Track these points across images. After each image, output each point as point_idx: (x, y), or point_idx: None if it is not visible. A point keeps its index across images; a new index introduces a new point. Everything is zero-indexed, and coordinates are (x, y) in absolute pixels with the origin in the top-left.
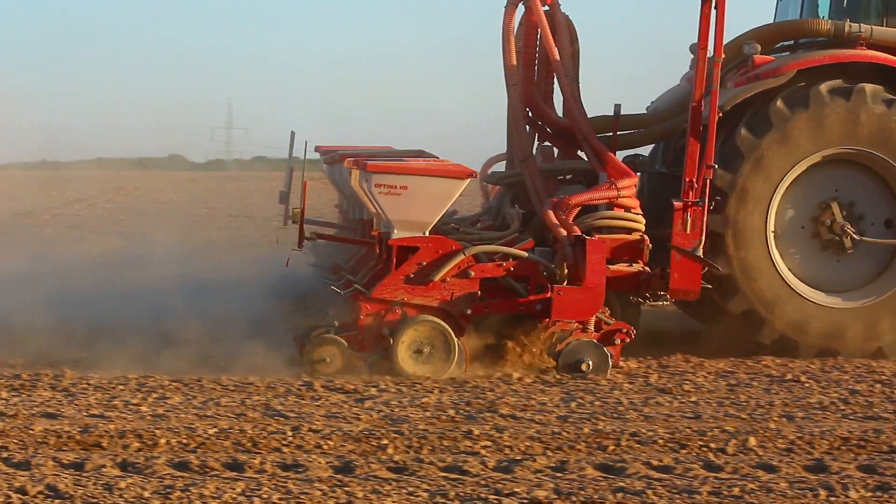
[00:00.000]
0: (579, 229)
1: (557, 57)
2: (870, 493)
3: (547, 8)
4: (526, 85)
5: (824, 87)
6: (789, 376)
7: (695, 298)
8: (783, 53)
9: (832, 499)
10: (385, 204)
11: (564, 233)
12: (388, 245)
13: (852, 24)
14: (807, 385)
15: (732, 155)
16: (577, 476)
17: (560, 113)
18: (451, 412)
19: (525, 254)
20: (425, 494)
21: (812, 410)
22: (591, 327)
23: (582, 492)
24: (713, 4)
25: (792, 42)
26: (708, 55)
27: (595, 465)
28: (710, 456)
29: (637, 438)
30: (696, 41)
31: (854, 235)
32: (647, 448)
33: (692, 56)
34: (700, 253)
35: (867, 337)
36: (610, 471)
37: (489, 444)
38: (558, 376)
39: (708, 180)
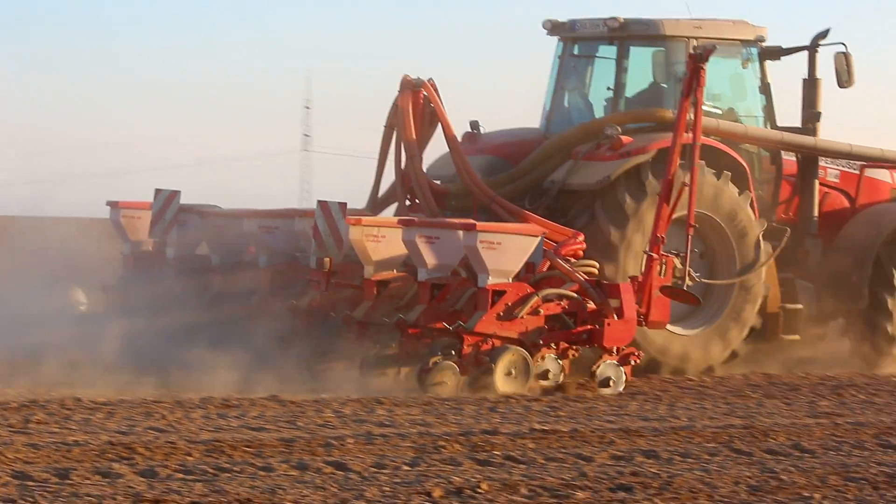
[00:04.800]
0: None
1: (454, 133)
2: None
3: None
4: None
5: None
6: None
7: (663, 328)
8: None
9: None
10: (486, 256)
11: (584, 278)
12: (482, 289)
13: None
14: None
15: (620, 217)
16: None
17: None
18: None
19: (576, 295)
20: None
21: None
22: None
23: None
24: (691, 101)
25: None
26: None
27: None
28: None
29: None
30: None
31: (695, 277)
32: None
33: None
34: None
35: (704, 357)
36: None
37: None
38: None
39: (690, 236)
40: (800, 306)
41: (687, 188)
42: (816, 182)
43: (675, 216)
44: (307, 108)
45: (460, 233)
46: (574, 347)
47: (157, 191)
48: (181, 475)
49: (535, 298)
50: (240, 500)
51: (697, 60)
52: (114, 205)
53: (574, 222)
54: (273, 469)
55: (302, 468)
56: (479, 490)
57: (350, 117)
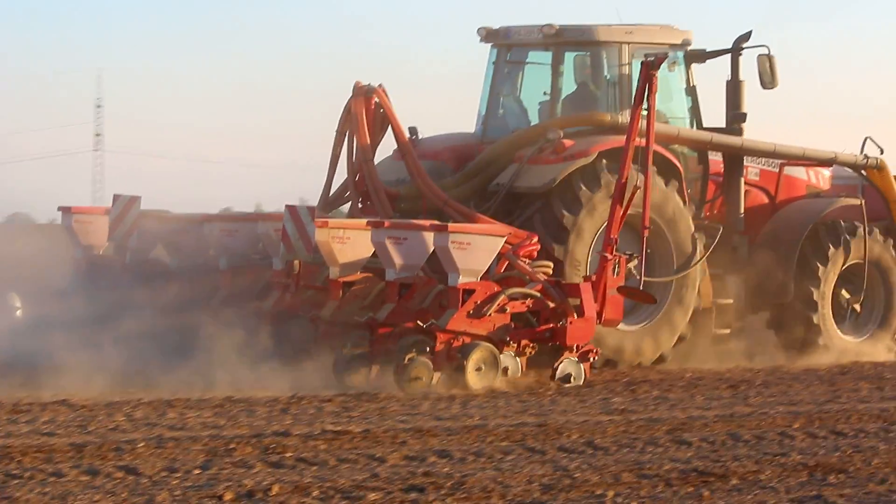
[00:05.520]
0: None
1: (406, 138)
2: None
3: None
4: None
5: (607, 168)
6: None
7: (616, 326)
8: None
9: None
10: (457, 256)
11: (544, 277)
12: (453, 288)
13: (622, 117)
14: None
15: (559, 231)
16: None
17: None
18: None
19: (539, 294)
20: None
21: None
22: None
23: None
24: (644, 107)
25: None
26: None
27: None
28: None
29: None
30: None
31: (641, 277)
32: None
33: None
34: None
35: (655, 349)
36: None
37: None
38: None
39: (645, 238)
40: (731, 301)
41: (639, 190)
42: (742, 181)
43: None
44: (98, 106)
45: (431, 234)
46: (532, 345)
47: (116, 196)
48: None
49: (502, 297)
50: None
51: (650, 68)
52: (66, 210)
53: (522, 225)
54: (63, 474)
55: (92, 473)
56: (271, 493)
57: (142, 116)
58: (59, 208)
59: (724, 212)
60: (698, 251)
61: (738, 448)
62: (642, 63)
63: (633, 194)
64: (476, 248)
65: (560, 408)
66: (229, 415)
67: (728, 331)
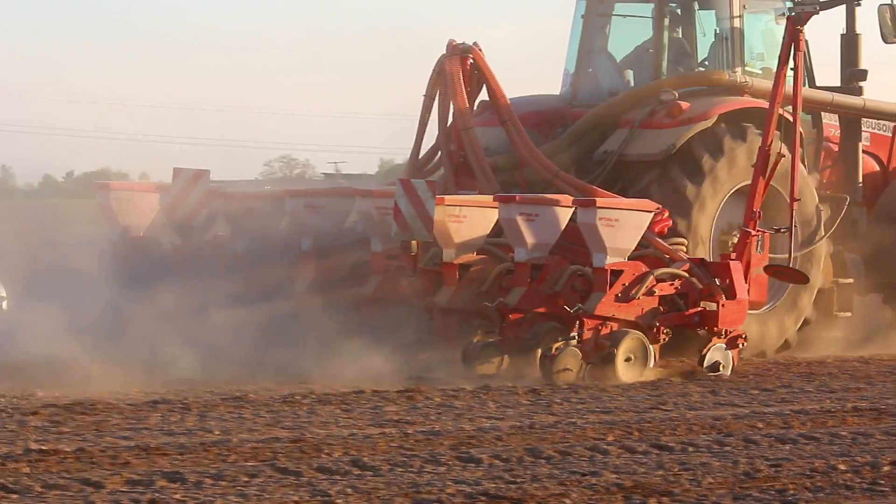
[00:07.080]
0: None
1: (508, 102)
2: None
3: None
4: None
5: (729, 132)
6: None
7: (760, 309)
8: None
9: None
10: (605, 234)
11: (684, 256)
12: (600, 269)
13: (740, 76)
14: None
15: (680, 203)
16: None
17: None
18: None
19: (686, 274)
20: None
21: None
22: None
23: None
24: (789, 66)
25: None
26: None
27: None
28: None
29: None
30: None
31: (790, 254)
32: None
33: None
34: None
35: (779, 334)
36: None
37: None
38: None
39: (794, 211)
40: (851, 281)
41: (785, 159)
42: (860, 146)
43: (736, 188)
44: None
45: (567, 209)
46: (665, 331)
47: (177, 170)
48: None
49: (651, 278)
50: None
51: (795, 23)
52: (103, 186)
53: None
54: None
55: None
56: None
57: None
58: (95, 184)
59: (834, 181)
60: (823, 224)
61: (538, 466)
62: (788, 18)
63: (776, 164)
64: (624, 224)
65: (320, 419)
66: None
67: (850, 314)
